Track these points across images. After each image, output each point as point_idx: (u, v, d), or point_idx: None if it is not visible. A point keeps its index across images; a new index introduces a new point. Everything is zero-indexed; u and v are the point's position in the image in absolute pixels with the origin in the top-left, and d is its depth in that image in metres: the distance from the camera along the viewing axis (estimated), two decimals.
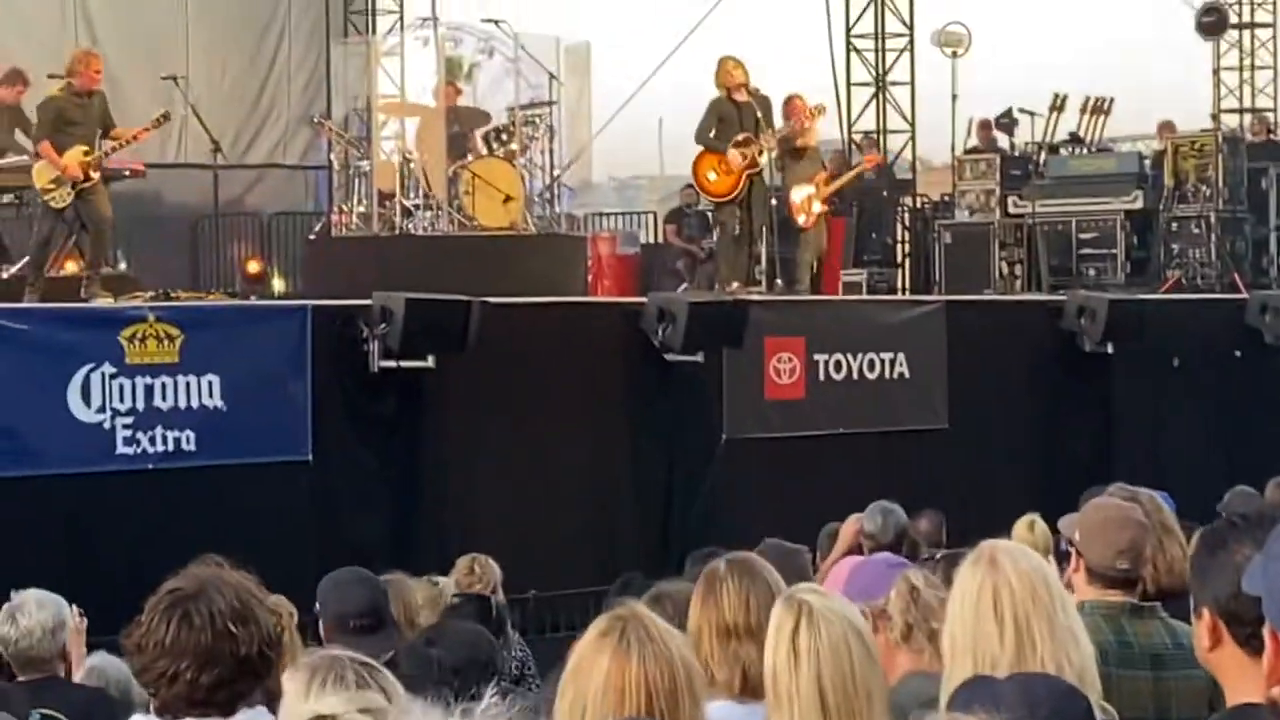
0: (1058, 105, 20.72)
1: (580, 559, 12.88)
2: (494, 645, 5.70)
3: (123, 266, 17.13)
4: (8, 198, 15.84)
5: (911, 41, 22.70)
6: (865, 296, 18.82)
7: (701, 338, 13.77)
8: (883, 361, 15.00)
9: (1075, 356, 15.93)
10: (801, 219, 16.91)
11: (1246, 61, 25.92)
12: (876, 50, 22.86)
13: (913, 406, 15.12)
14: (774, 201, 16.14)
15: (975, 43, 21.06)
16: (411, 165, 17.39)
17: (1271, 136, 22.27)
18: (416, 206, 17.24)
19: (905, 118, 22.87)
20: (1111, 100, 21.10)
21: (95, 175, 13.81)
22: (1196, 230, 19.48)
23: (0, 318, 11.38)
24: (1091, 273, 19.51)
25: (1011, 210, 20.05)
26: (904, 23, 22.82)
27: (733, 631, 4.53)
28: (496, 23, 18.93)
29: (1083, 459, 15.17)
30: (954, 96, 20.58)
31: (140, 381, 11.54)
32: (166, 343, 11.64)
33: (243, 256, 20.61)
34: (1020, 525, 8.58)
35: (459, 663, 5.35)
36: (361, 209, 17.81)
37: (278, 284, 20.81)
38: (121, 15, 21.43)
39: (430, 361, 12.64)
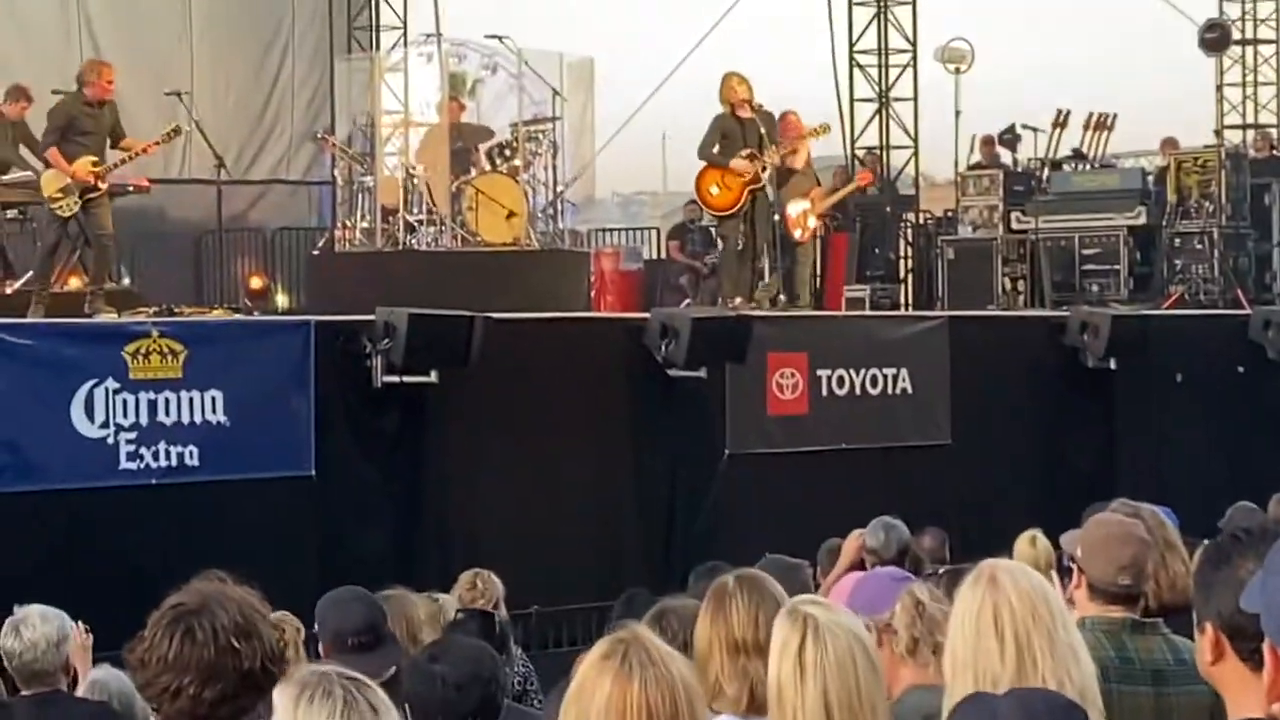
0: (1060, 121, 20.74)
1: (583, 574, 12.88)
2: (497, 661, 5.70)
3: (126, 282, 17.16)
4: (12, 213, 15.86)
5: (914, 58, 22.73)
6: (868, 312, 18.83)
7: (704, 353, 13.77)
8: (886, 377, 15.00)
9: (1078, 372, 15.93)
10: (798, 233, 16.93)
11: (1249, 77, 25.96)
12: (880, 66, 22.89)
13: (916, 422, 15.12)
14: (776, 217, 16.15)
15: (978, 59, 21.11)
16: (415, 181, 17.41)
17: (1274, 152, 22.28)
18: (420, 222, 17.26)
19: (908, 133, 22.90)
20: (1114, 116, 21.13)
21: (103, 186, 13.84)
22: (1199, 246, 19.49)
23: (4, 333, 11.38)
24: (1094, 288, 19.52)
25: (1014, 226, 20.06)
26: (907, 39, 22.86)
27: (741, 647, 4.54)
28: (500, 39, 18.95)
29: (1086, 474, 15.17)
30: (957, 112, 20.61)
31: (144, 397, 11.55)
32: (170, 358, 11.65)
33: (246, 272, 20.64)
34: (1022, 540, 8.58)
35: (462, 679, 5.35)
36: (365, 224, 17.84)
37: (281, 299, 20.84)
38: (126, 31, 21.48)
39: (433, 377, 12.65)
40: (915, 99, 22.81)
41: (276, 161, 23.47)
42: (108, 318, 13.15)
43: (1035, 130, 20.79)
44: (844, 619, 4.20)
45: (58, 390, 11.33)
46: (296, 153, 23.53)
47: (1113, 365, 15.88)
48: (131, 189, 15.60)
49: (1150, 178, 20.50)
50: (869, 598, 4.78)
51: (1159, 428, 16.29)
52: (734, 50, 22.10)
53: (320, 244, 19.43)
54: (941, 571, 7.13)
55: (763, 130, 15.90)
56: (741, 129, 15.90)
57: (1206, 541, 4.62)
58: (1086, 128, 21.00)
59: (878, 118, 22.92)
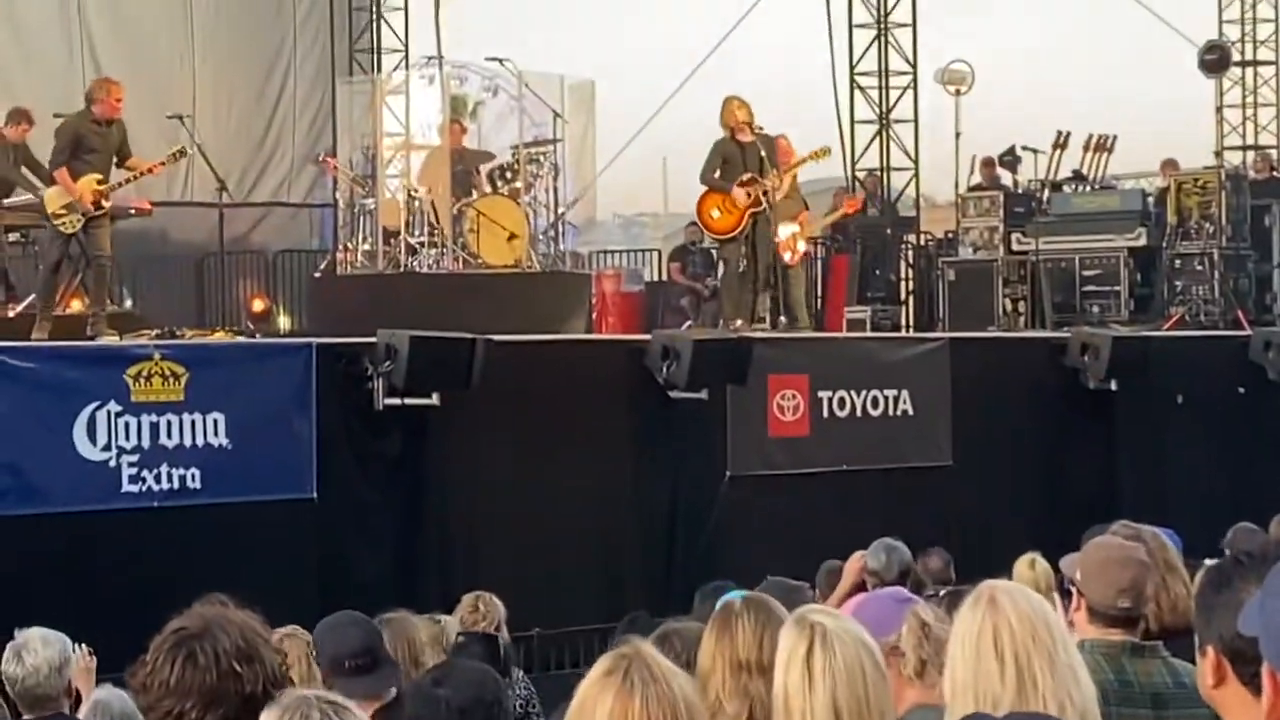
0: (1061, 143, 20.77)
1: (584, 596, 12.88)
2: (500, 685, 5.70)
3: (129, 304, 17.20)
4: (14, 236, 15.89)
5: (915, 80, 22.77)
6: (869, 334, 18.83)
7: (706, 375, 13.78)
8: (887, 398, 15.00)
9: (1079, 394, 15.93)
10: (787, 256, 16.89)
11: (1249, 99, 26.01)
12: (880, 88, 22.92)
13: (917, 443, 15.12)
14: (777, 239, 16.15)
15: (978, 81, 21.15)
16: (416, 203, 17.43)
17: (1274, 174, 22.31)
18: (421, 244, 17.27)
19: (909, 155, 22.93)
20: (1114, 138, 21.16)
21: (106, 205, 13.85)
22: (1200, 267, 19.51)
23: (7, 356, 11.38)
24: (1095, 310, 19.54)
25: (1015, 247, 20.09)
26: (907, 61, 22.90)
27: (745, 667, 4.56)
28: (501, 61, 18.97)
29: (1087, 496, 15.16)
30: (957, 134, 20.65)
31: (145, 419, 11.55)
32: (172, 381, 11.66)
33: (248, 294, 20.67)
34: (1021, 564, 8.59)
35: (466, 703, 5.34)
36: (366, 247, 17.86)
37: (283, 321, 20.86)
38: (128, 53, 21.53)
39: (435, 399, 12.65)
40: (916, 120, 22.84)
41: (278, 184, 23.52)
42: (110, 340, 13.16)
43: (1035, 152, 20.82)
44: (851, 627, 4.21)
45: (60, 413, 11.33)
46: (298, 175, 23.58)
47: (1113, 386, 15.88)
48: (134, 212, 15.64)
49: (1150, 199, 20.54)
50: (873, 620, 4.78)
51: (1160, 449, 16.28)
52: (734, 73, 22.14)
53: (322, 266, 19.46)
54: (942, 594, 7.13)
55: (763, 154, 15.91)
56: (742, 153, 15.91)
57: (1208, 563, 4.64)
58: (1086, 149, 21.03)
59: (878, 139, 22.95)
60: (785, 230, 16.88)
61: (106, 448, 11.41)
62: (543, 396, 13.43)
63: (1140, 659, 5.18)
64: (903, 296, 22.09)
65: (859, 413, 14.86)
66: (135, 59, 21.40)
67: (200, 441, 11.74)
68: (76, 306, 14.97)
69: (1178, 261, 19.67)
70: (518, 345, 13.60)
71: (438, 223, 17.24)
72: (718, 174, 16.01)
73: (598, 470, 13.68)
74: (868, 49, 22.95)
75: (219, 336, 14.88)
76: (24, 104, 16.57)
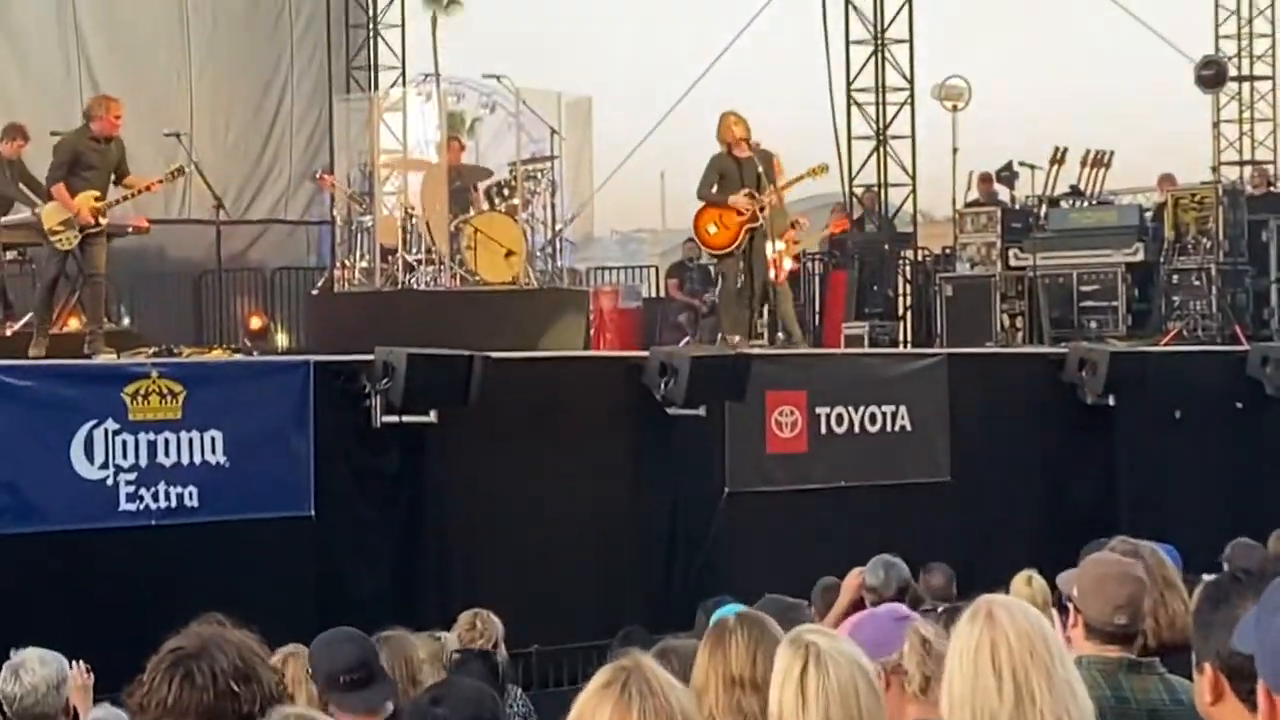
0: (1058, 158, 20.78)
1: (583, 613, 12.87)
2: (498, 703, 5.70)
3: (126, 322, 17.20)
4: (11, 254, 15.89)
5: (912, 95, 22.77)
6: (867, 349, 18.84)
7: (703, 391, 13.77)
8: (885, 414, 15.00)
9: (1077, 409, 15.93)
10: (771, 273, 16.86)
11: (1246, 114, 26.03)
12: (877, 104, 22.92)
13: (915, 459, 15.12)
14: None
15: (975, 96, 21.16)
16: (414, 220, 17.44)
17: (1271, 189, 22.34)
18: (419, 261, 17.29)
19: (906, 171, 22.93)
20: (1111, 153, 21.18)
21: (103, 222, 13.85)
22: (1197, 282, 19.52)
23: (4, 374, 11.37)
24: (1093, 325, 19.55)
25: (1013, 263, 20.10)
26: (904, 76, 22.90)
27: (738, 682, 4.57)
28: (498, 78, 18.99)
29: (1086, 511, 15.16)
30: (954, 150, 20.65)
31: (143, 438, 11.54)
32: (169, 399, 11.65)
33: (246, 311, 20.68)
34: (1018, 580, 8.58)
35: None
36: (364, 264, 17.88)
37: (281, 339, 20.87)
38: (126, 70, 21.56)
39: (432, 416, 12.64)
40: (913, 136, 22.84)
41: (275, 201, 23.55)
42: (107, 358, 13.15)
43: (1033, 167, 20.84)
44: (846, 647, 4.21)
45: (57, 431, 11.32)
46: (295, 192, 23.61)
47: (1111, 402, 15.88)
48: (131, 230, 15.64)
49: (1148, 214, 20.55)
50: (872, 639, 4.77)
51: (1158, 464, 16.28)
52: (731, 89, 22.16)
53: (319, 284, 19.46)
54: (940, 610, 7.13)
55: (760, 169, 15.91)
56: (739, 168, 15.91)
57: (1205, 579, 4.63)
58: (1084, 164, 21.05)
59: (876, 155, 22.94)
60: (771, 248, 16.86)
61: (104, 466, 11.39)
62: (540, 413, 13.43)
63: (1137, 675, 5.17)
64: (900, 312, 22.10)
65: (857, 429, 14.86)
66: (132, 76, 21.42)
67: (198, 459, 11.73)
68: (74, 324, 14.97)
69: (1175, 277, 19.68)
70: (515, 362, 13.60)
71: (435, 240, 17.24)
72: (715, 189, 16.01)
73: (596, 487, 13.67)
74: (865, 65, 22.95)
75: (216, 354, 14.87)
76: (23, 124, 16.58)
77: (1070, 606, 5.34)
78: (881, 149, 22.90)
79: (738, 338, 15.65)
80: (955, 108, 20.81)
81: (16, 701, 6.53)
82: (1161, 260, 19.76)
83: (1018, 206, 21.04)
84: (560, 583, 13.16)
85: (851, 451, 14.78)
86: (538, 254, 18.14)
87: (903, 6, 22.91)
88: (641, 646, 5.00)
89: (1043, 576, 8.54)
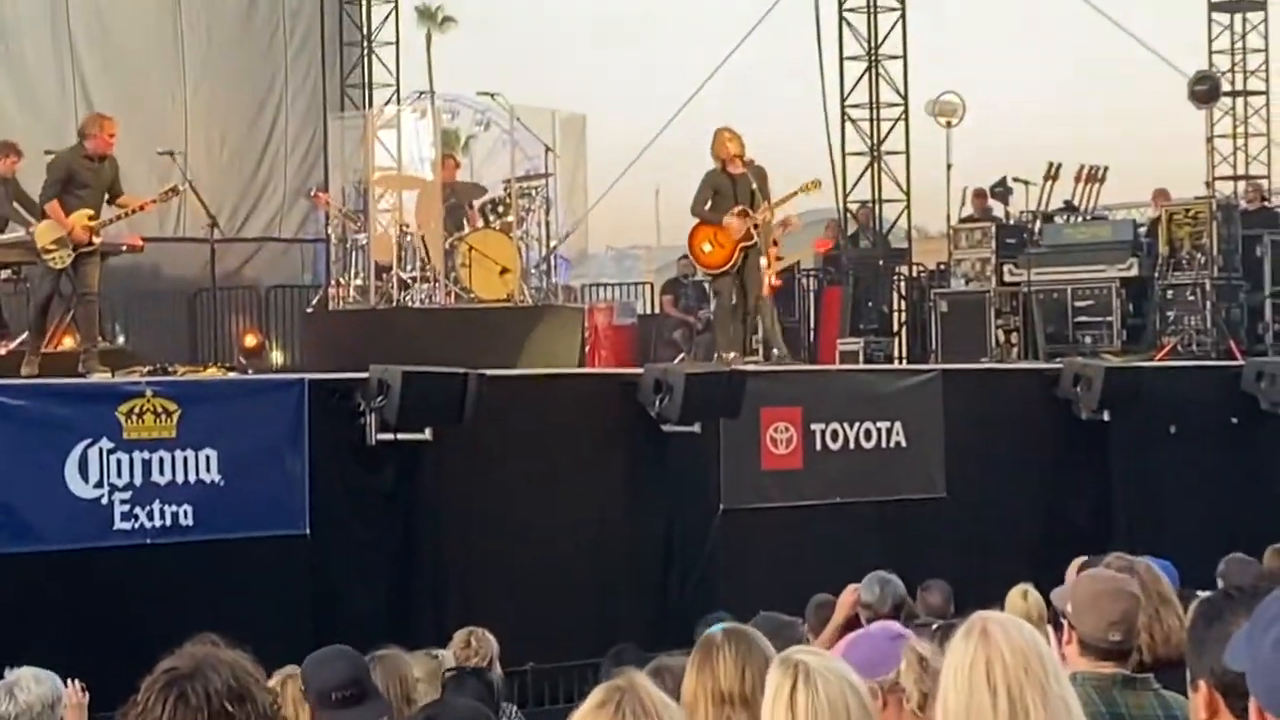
0: (1052, 174, 20.81)
1: (578, 630, 12.85)
2: None
3: (121, 340, 17.18)
4: (5, 273, 15.88)
5: (906, 111, 22.81)
6: (862, 365, 18.84)
7: (698, 408, 13.76)
8: (879, 431, 14.99)
9: (1072, 424, 15.92)
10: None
11: (1240, 129, 26.08)
12: (871, 120, 22.96)
13: (910, 475, 15.11)
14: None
15: (969, 112, 21.20)
16: (408, 238, 17.44)
17: (1265, 204, 22.37)
18: (413, 279, 17.28)
19: (900, 187, 22.95)
20: (1105, 168, 21.22)
21: (96, 241, 13.84)
22: (1191, 297, 19.53)
23: None
24: (1087, 340, 19.57)
25: (1007, 278, 20.12)
26: (898, 93, 22.94)
27: (727, 699, 4.56)
28: (492, 95, 19.01)
29: (1081, 527, 15.16)
30: (949, 165, 20.67)
31: (138, 456, 11.53)
32: (164, 417, 11.64)
33: (241, 329, 20.67)
34: (1014, 594, 8.59)
35: None
36: (359, 282, 17.87)
37: (277, 356, 20.87)
38: (120, 88, 21.58)
39: (427, 434, 12.63)
40: (907, 152, 22.88)
41: (270, 218, 23.57)
42: (101, 377, 13.13)
43: (1027, 183, 20.85)
44: (836, 665, 4.20)
45: (52, 451, 11.31)
46: (290, 210, 23.63)
47: (1106, 417, 15.88)
48: (125, 248, 15.63)
49: (1142, 230, 20.58)
50: (867, 658, 4.76)
51: (1153, 479, 16.28)
52: (726, 105, 22.19)
53: (314, 301, 19.45)
54: (935, 626, 7.12)
55: (754, 186, 15.90)
56: (733, 184, 15.91)
57: (1200, 594, 4.63)
58: (1078, 180, 21.08)
59: (870, 171, 22.98)
60: (763, 264, 16.85)
61: (98, 485, 11.38)
62: (535, 431, 13.42)
63: (1132, 692, 5.17)
64: (895, 328, 22.12)
65: (852, 445, 14.85)
66: (127, 94, 21.44)
67: (192, 478, 11.71)
68: (69, 343, 14.95)
69: (1170, 292, 19.70)
70: (510, 380, 13.60)
71: (430, 257, 17.24)
72: (708, 206, 16.01)
73: (591, 505, 13.67)
74: (859, 81, 22.99)
75: (211, 373, 14.86)
76: (16, 140, 16.58)
77: (1065, 623, 5.34)
78: (876, 165, 22.93)
79: (733, 354, 15.65)
80: (949, 123, 20.85)
81: None
82: (1156, 275, 19.77)
83: (1012, 222, 21.06)
84: (556, 600, 13.15)
85: (847, 468, 14.78)
86: (532, 271, 18.14)
87: (896, 22, 22.96)
88: (633, 664, 5.00)
89: (1038, 591, 8.55)
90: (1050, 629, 5.70)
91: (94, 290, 13.97)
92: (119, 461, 11.45)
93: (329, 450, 12.39)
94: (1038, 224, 20.70)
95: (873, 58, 22.92)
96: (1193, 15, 26.58)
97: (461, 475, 13.00)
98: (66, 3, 21.62)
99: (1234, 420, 16.90)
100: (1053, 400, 16.00)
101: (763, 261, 16.25)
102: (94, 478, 11.37)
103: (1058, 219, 20.97)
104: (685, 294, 21.40)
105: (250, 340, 20.04)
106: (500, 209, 17.84)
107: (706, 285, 18.73)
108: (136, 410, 11.56)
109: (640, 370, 14.54)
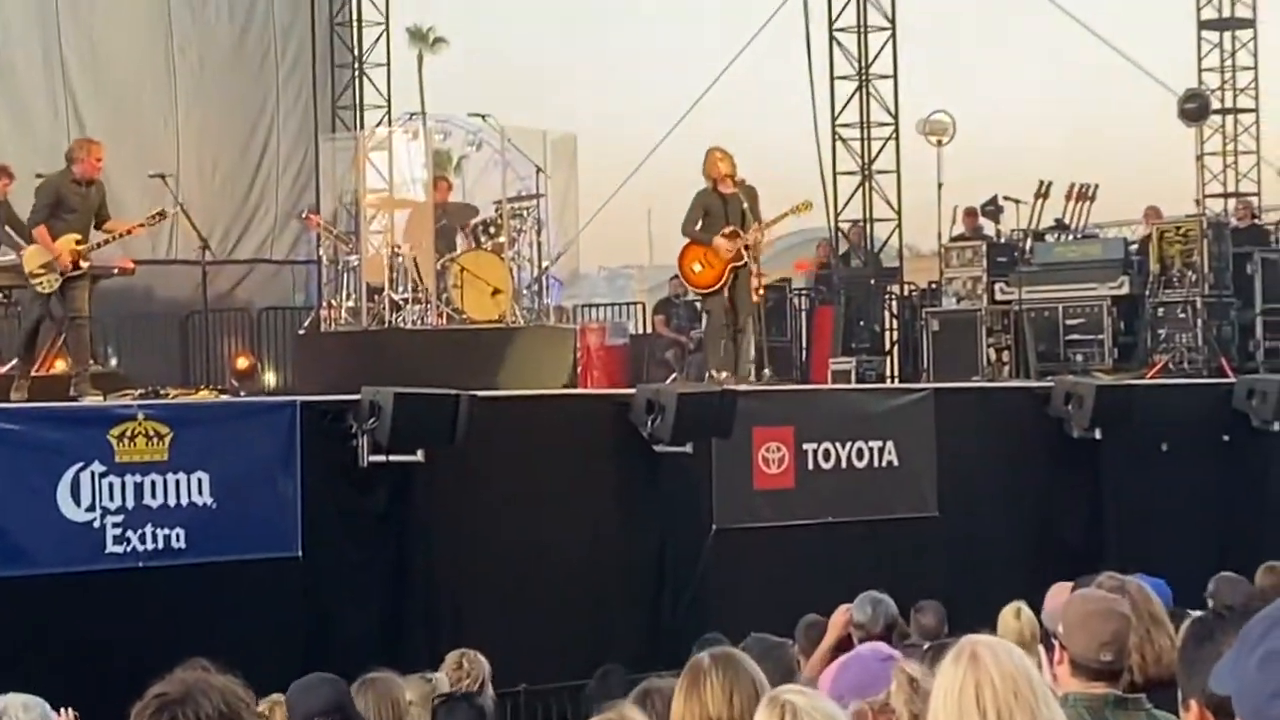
0: (1043, 192, 20.84)
1: (571, 651, 12.84)
2: None
3: (113, 363, 17.18)
4: None
5: (896, 130, 22.86)
6: (853, 385, 18.85)
7: (690, 428, 13.77)
8: (871, 450, 15.00)
9: (1064, 443, 15.93)
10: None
11: (1230, 147, 26.14)
12: (862, 139, 23.01)
13: (902, 494, 15.11)
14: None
15: (959, 131, 21.24)
16: (400, 259, 17.44)
17: (1256, 221, 22.40)
18: (405, 300, 17.28)
19: (891, 206, 23.00)
20: (1096, 186, 21.24)
21: (84, 265, 13.83)
22: (1183, 315, 19.55)
23: None
24: (1079, 358, 19.58)
25: (998, 297, 20.15)
26: (889, 112, 22.99)
27: None
28: (483, 116, 19.01)
29: (1073, 545, 15.17)
30: (939, 184, 20.71)
31: (130, 480, 11.52)
32: (155, 440, 11.63)
33: (233, 352, 20.67)
34: (1006, 613, 8.59)
35: None
36: (350, 303, 17.85)
37: (270, 378, 20.86)
38: (112, 112, 21.61)
39: (420, 456, 12.62)
40: (898, 171, 22.92)
41: (262, 240, 23.58)
42: (93, 400, 13.13)
43: (1017, 201, 20.89)
44: (824, 705, 4.21)
45: (43, 474, 11.30)
46: (281, 232, 23.64)
47: (1098, 435, 15.88)
48: (117, 271, 15.64)
49: (1133, 247, 20.60)
50: (857, 681, 4.78)
51: (1145, 497, 16.27)
52: (717, 124, 22.21)
53: (306, 323, 19.45)
54: (926, 647, 7.12)
55: (745, 205, 15.91)
56: (724, 204, 15.91)
57: (1192, 614, 4.64)
58: (1068, 198, 21.10)
59: (861, 190, 23.02)
60: (754, 284, 16.83)
61: (90, 508, 11.37)
62: (528, 452, 13.42)
63: (1124, 712, 5.18)
64: (887, 347, 22.14)
65: (844, 464, 14.85)
66: (119, 117, 21.48)
67: (185, 501, 11.70)
68: (60, 367, 14.94)
69: (1161, 310, 19.71)
70: (502, 401, 13.61)
71: (421, 279, 17.24)
72: (699, 225, 16.01)
73: (584, 525, 13.66)
74: (849, 100, 23.04)
75: (203, 395, 14.85)
76: (7, 163, 16.59)
77: (1056, 643, 5.34)
78: (866, 184, 22.97)
79: (724, 374, 15.64)
80: (940, 142, 20.89)
81: None
82: (1147, 293, 19.79)
83: (1003, 240, 21.09)
84: (548, 621, 13.14)
85: (839, 487, 14.78)
86: (524, 292, 18.14)
87: (887, 42, 23.02)
88: (619, 685, 5.01)
89: (1031, 610, 8.55)
90: (1042, 649, 5.69)
91: (84, 314, 13.95)
92: (111, 485, 11.44)
93: (321, 472, 12.39)
94: (1029, 242, 20.72)
95: (863, 77, 22.98)
96: (1182, 34, 26.68)
97: (454, 496, 12.99)
98: (59, 27, 21.65)
99: (1226, 438, 16.90)
100: (1044, 419, 16.01)
101: (753, 282, 16.25)
102: (86, 501, 11.36)
103: (1049, 237, 20.99)
104: (677, 314, 21.41)
105: (242, 362, 20.04)
106: (492, 230, 17.84)
107: (698, 305, 18.73)
108: (128, 433, 11.55)
109: (632, 390, 14.55)
